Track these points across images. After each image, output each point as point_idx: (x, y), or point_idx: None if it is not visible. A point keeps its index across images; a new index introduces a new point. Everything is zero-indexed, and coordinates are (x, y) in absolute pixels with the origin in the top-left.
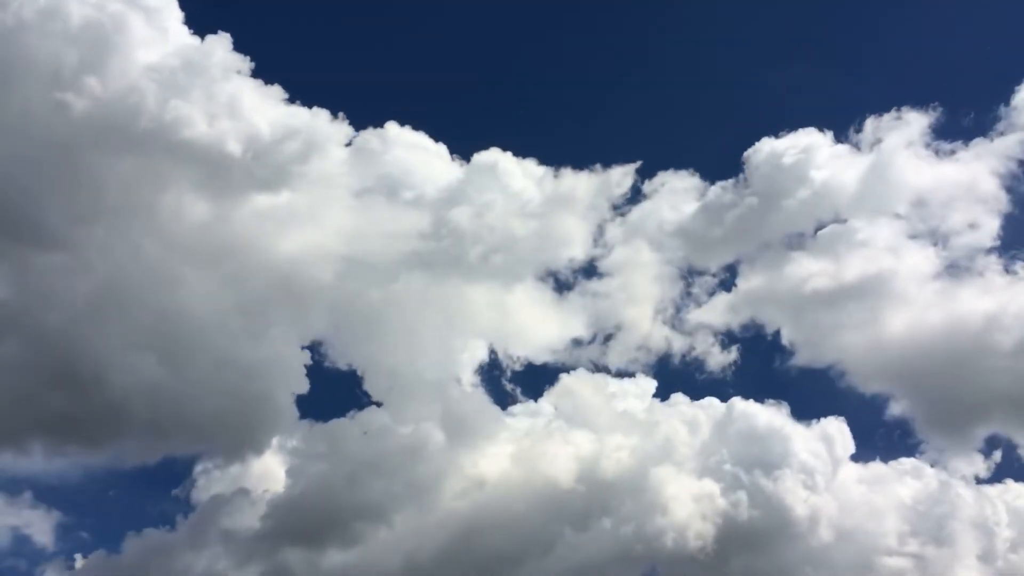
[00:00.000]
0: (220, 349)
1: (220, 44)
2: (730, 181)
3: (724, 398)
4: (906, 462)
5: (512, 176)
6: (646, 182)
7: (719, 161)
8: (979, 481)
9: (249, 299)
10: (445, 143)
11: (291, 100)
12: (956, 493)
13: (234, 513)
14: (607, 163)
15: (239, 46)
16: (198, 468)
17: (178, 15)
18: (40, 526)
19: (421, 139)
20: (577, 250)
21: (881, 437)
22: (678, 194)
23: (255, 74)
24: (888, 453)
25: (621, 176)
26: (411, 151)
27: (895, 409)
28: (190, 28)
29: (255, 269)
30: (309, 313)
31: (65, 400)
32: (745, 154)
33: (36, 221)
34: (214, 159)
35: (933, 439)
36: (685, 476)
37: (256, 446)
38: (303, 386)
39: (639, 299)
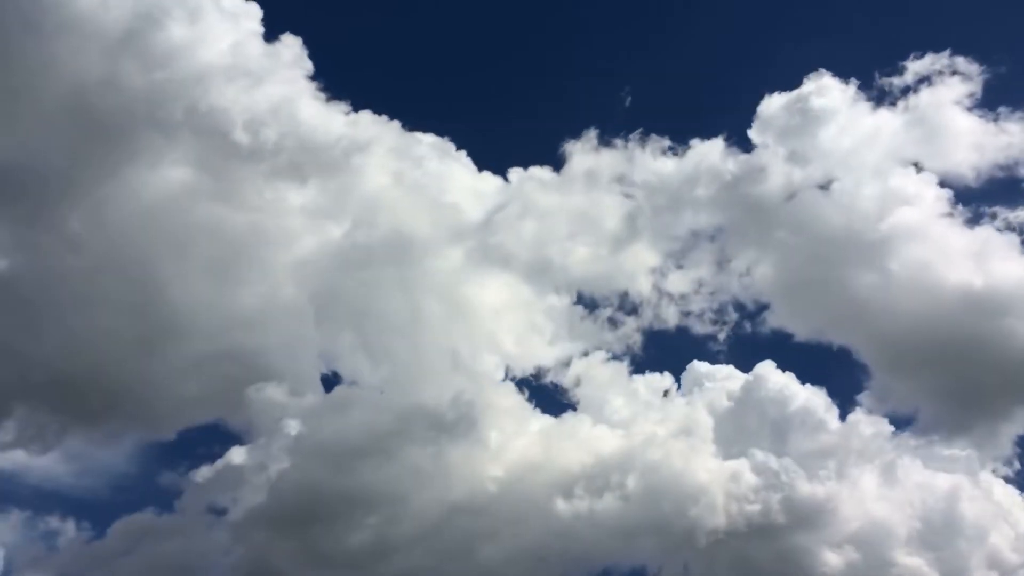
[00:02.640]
0: (229, 335)
1: (287, 47)
2: (745, 140)
3: (745, 369)
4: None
5: (531, 170)
6: (669, 152)
7: (740, 118)
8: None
9: (261, 285)
10: (466, 149)
11: (352, 108)
12: (976, 488)
13: (231, 494)
14: (628, 133)
15: (313, 54)
16: (200, 451)
17: (256, 15)
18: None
19: (443, 143)
20: (590, 240)
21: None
22: (693, 162)
23: (313, 78)
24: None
25: (646, 147)
26: (432, 155)
27: (908, 388)
28: (264, 29)
29: (272, 258)
30: (323, 301)
31: (66, 387)
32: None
33: (48, 206)
34: (244, 155)
35: (952, 426)
36: (695, 457)
37: (263, 431)
38: (315, 370)
39: (647, 273)
